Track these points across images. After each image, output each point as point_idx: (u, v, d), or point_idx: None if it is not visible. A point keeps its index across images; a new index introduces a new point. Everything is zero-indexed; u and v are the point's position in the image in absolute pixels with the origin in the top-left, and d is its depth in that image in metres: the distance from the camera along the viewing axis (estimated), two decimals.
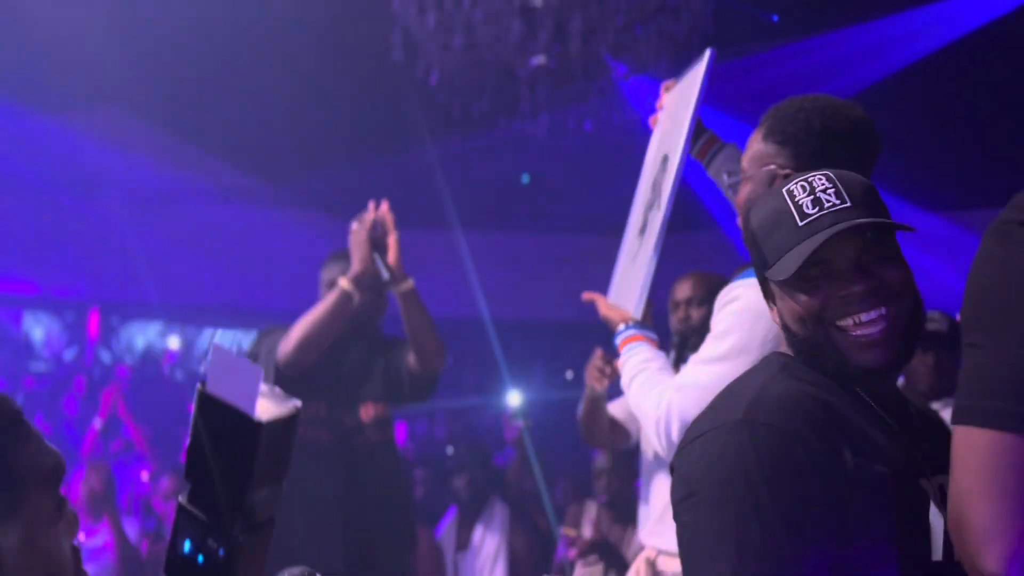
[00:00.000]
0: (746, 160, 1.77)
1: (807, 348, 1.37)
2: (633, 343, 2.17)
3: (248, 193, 9.26)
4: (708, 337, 1.71)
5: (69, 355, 10.30)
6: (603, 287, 2.61)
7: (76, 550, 1.07)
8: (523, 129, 4.94)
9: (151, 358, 10.58)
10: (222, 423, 0.83)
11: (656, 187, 2.26)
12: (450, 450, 4.45)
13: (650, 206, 2.27)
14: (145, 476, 5.49)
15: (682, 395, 1.68)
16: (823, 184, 1.36)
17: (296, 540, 2.64)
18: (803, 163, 1.69)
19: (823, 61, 6.41)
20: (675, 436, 1.65)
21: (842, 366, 1.34)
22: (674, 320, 2.86)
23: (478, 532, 4.10)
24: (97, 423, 6.04)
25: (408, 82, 5.58)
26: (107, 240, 9.23)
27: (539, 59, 4.64)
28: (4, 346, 10.01)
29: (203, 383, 0.86)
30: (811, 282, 1.35)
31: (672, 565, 2.31)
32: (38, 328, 10.64)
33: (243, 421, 0.81)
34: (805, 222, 1.34)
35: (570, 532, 3.62)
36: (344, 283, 2.78)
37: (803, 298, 1.35)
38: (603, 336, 2.54)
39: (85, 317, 10.00)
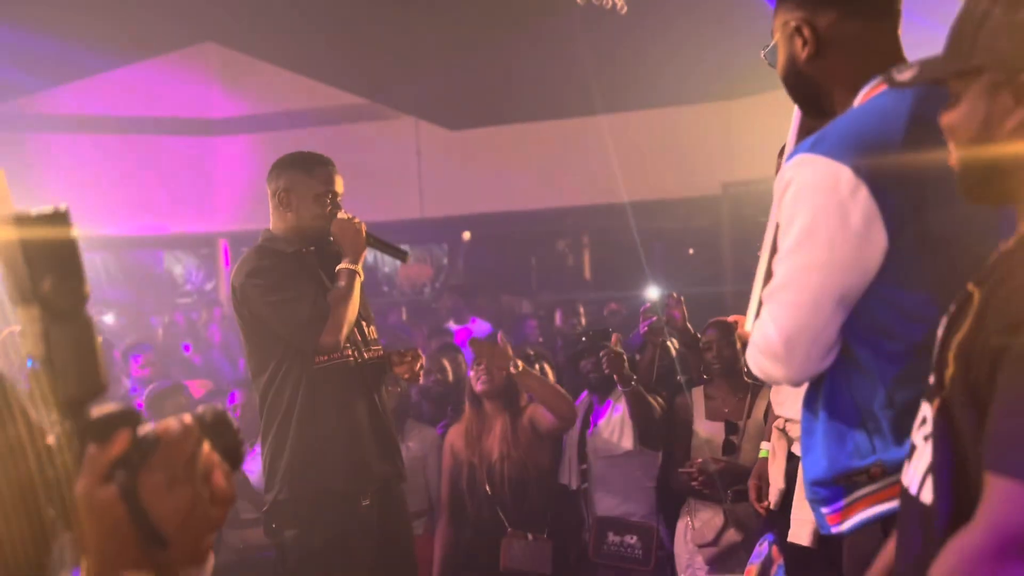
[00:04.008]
0: (775, 34, 1.80)
1: None
2: None
3: (351, 110, 9.40)
4: (780, 232, 1.61)
5: (209, 286, 10.91)
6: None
7: None
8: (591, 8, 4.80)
9: None
10: None
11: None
12: (584, 339, 4.49)
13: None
14: None
15: (772, 302, 1.59)
16: None
17: (357, 446, 2.96)
18: (808, 10, 1.72)
19: None
20: (780, 347, 1.56)
21: None
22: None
23: (606, 408, 4.16)
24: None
25: None
26: (224, 173, 9.58)
27: None
28: (151, 284, 10.72)
29: None
30: None
31: (797, 431, 2.30)
32: (177, 265, 11.29)
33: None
34: None
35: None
36: (349, 265, 3.01)
37: None
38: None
39: (217, 250, 10.50)
